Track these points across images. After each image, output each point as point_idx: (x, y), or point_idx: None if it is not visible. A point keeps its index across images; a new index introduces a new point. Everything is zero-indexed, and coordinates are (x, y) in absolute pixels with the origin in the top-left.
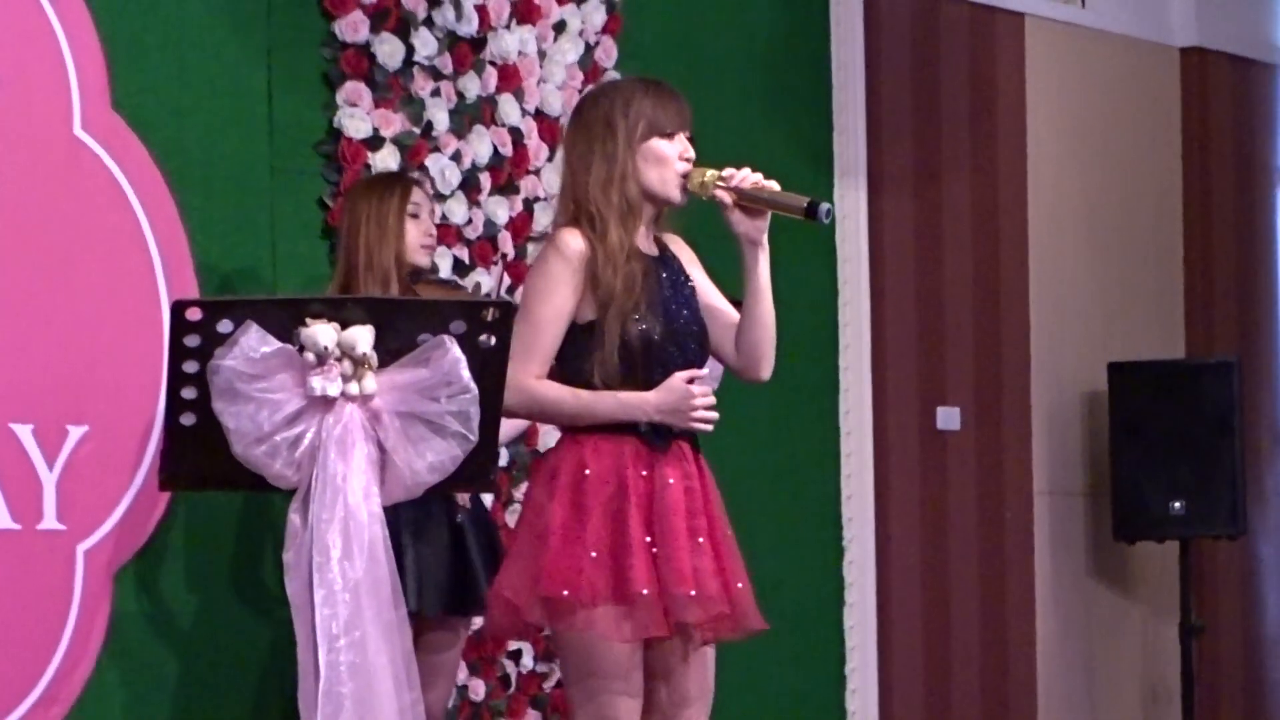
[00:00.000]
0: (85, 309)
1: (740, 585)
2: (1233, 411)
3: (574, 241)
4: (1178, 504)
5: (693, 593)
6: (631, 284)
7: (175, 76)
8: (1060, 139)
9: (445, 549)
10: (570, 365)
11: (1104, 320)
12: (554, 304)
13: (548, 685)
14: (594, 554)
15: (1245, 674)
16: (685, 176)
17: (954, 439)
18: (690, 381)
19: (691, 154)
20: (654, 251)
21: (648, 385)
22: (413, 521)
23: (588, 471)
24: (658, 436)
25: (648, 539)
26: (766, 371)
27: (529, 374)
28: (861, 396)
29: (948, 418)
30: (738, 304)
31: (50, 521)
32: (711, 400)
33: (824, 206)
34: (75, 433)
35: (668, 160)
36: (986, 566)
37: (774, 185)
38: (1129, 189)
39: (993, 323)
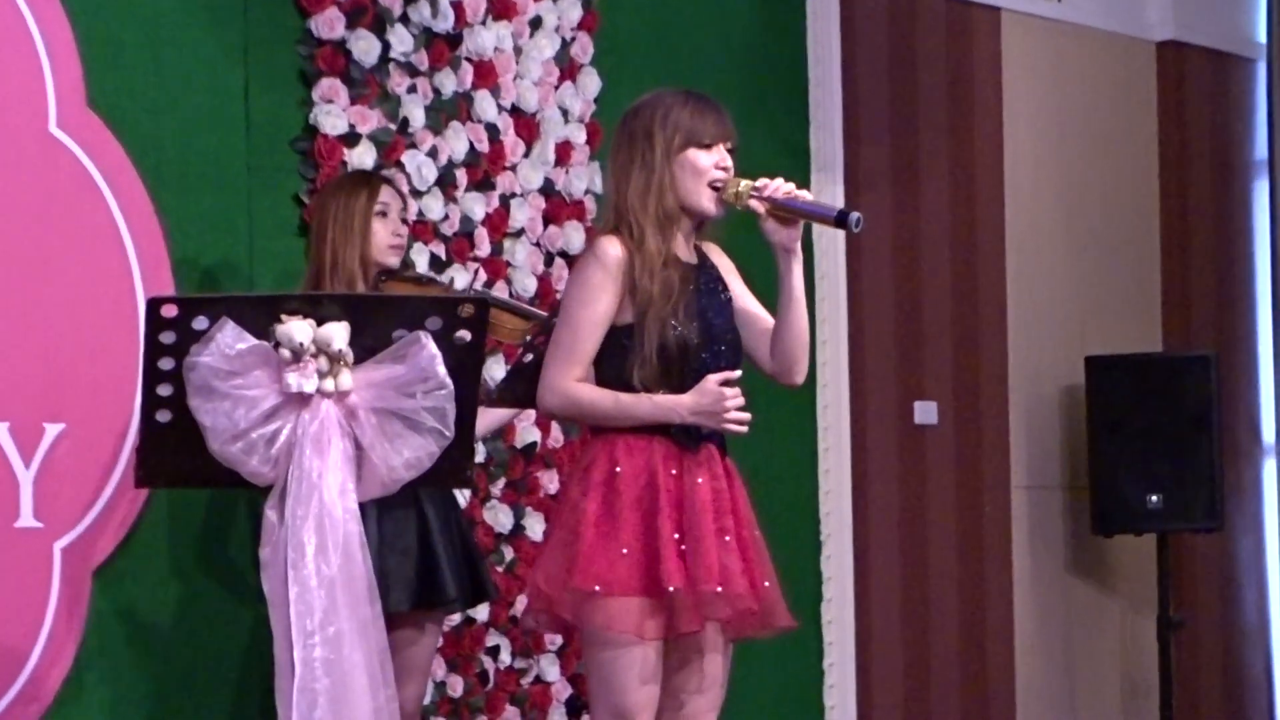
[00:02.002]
0: (61, 307)
1: (768, 584)
2: (1210, 405)
3: (612, 249)
4: (1155, 498)
5: (720, 589)
6: (669, 290)
7: (151, 74)
8: (1037, 134)
9: (412, 545)
10: (609, 366)
11: (1081, 315)
12: (593, 310)
13: (526, 681)
14: (625, 550)
15: (1223, 668)
16: (720, 187)
17: (932, 434)
18: (724, 384)
19: (728, 164)
20: (693, 260)
21: (683, 388)
22: (378, 518)
23: (619, 470)
24: (688, 437)
25: (676, 536)
26: (800, 377)
27: (569, 377)
28: (839, 392)
29: (925, 412)
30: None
31: (27, 519)
32: (742, 402)
33: (854, 216)
34: (52, 430)
35: (703, 171)
36: (965, 561)
37: (806, 195)
38: (1106, 183)
39: (970, 317)
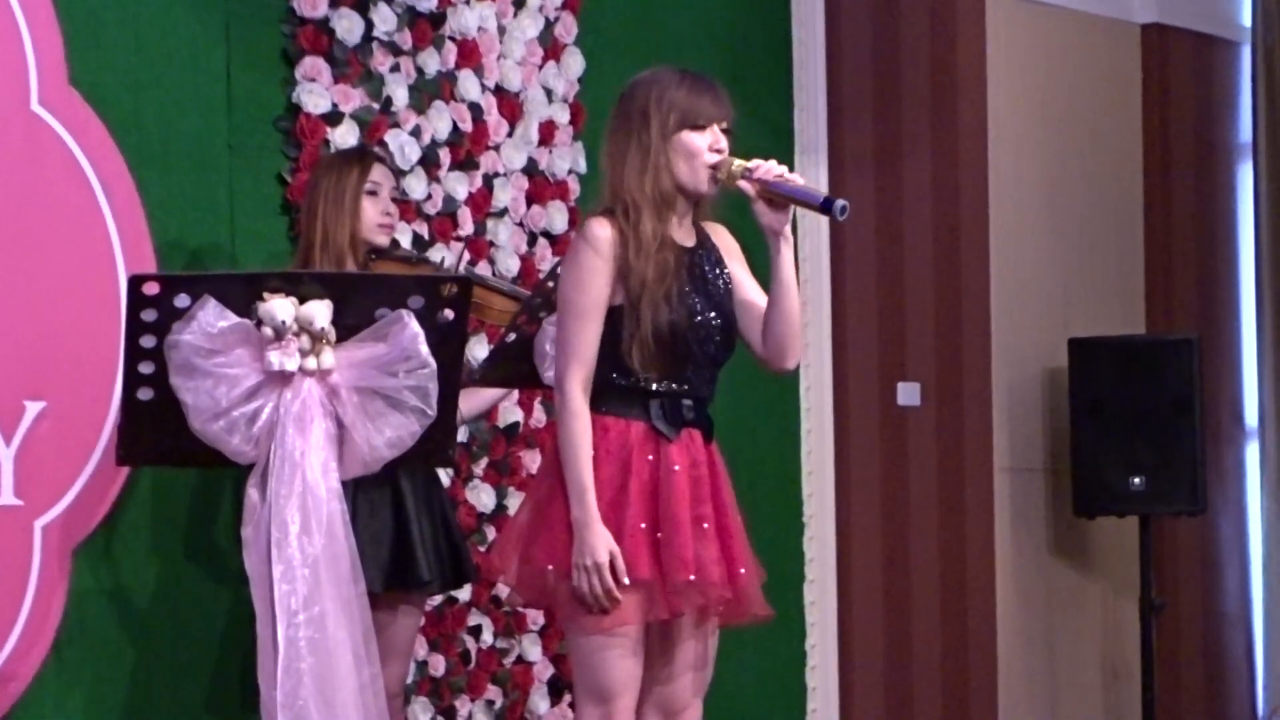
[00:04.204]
0: (43, 284)
1: (744, 571)
2: (1193, 388)
3: (601, 231)
4: (1138, 480)
5: (692, 578)
6: (663, 273)
7: (133, 52)
8: (1021, 116)
9: (387, 526)
10: (603, 348)
11: (1065, 296)
12: (590, 294)
13: (508, 661)
14: None
15: (1205, 651)
16: (715, 167)
17: (914, 415)
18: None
19: (723, 145)
20: (689, 241)
21: (674, 372)
22: (353, 498)
23: (593, 451)
24: (666, 425)
25: (644, 525)
26: (792, 363)
27: (578, 381)
28: (822, 373)
29: (908, 393)
30: None
31: (8, 497)
32: (610, 588)
33: (839, 203)
34: (33, 408)
35: (698, 152)
36: (947, 542)
37: (797, 179)
38: (1090, 166)
39: (953, 298)
